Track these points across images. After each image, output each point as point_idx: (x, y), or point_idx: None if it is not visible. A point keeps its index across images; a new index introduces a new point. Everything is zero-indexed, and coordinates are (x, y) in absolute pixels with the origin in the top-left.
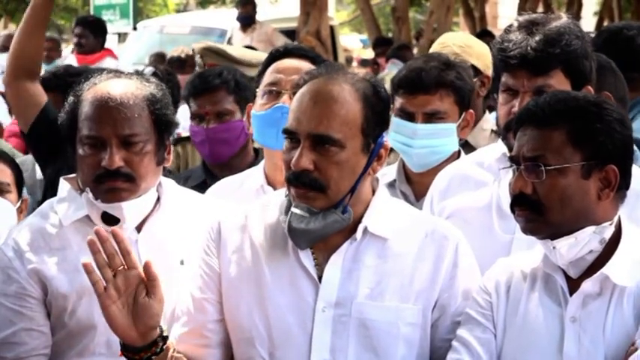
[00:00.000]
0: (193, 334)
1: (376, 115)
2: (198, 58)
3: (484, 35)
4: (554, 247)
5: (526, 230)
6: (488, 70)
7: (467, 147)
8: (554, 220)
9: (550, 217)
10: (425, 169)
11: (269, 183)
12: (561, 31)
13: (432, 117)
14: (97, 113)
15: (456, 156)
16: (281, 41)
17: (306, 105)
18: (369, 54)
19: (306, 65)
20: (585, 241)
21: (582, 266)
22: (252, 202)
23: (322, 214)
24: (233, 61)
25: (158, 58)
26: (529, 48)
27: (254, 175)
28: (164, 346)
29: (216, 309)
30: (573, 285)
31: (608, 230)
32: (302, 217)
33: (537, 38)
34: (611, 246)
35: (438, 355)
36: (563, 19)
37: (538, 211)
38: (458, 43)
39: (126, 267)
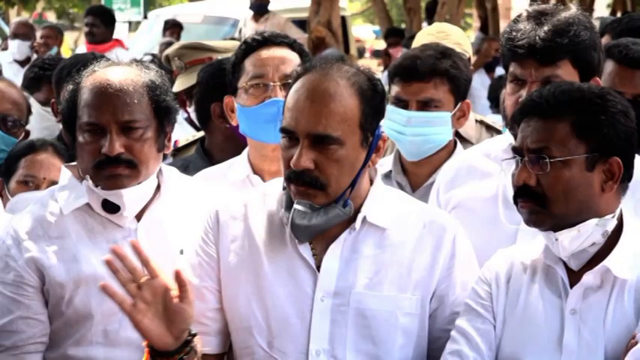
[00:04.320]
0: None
1: (373, 108)
2: (176, 61)
3: None
4: (556, 239)
5: (529, 222)
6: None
7: (457, 137)
8: (558, 212)
9: (553, 209)
10: (419, 158)
11: (255, 172)
12: (570, 21)
13: (426, 105)
14: (96, 100)
15: (451, 146)
16: (294, 32)
17: (303, 103)
18: (382, 45)
19: (286, 52)
20: (588, 234)
21: (584, 258)
22: (238, 192)
23: (324, 210)
24: (214, 51)
25: (168, 47)
26: (537, 38)
27: (238, 164)
28: (193, 344)
29: (215, 297)
30: (574, 277)
31: (611, 223)
32: (304, 214)
33: (546, 28)
34: (613, 239)
35: (437, 345)
36: (572, 10)
37: (541, 203)
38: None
39: (149, 276)
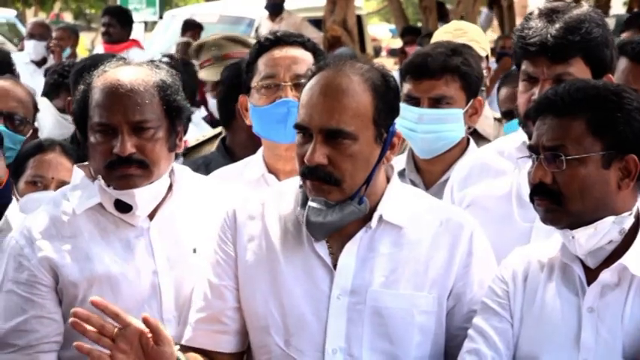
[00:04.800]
0: (211, 320)
1: (386, 104)
2: (214, 50)
3: None
4: (573, 237)
5: (546, 220)
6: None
7: (475, 135)
8: (574, 210)
9: (570, 207)
10: (431, 156)
11: (270, 171)
12: (582, 18)
13: (437, 102)
14: (107, 100)
15: (464, 143)
16: (310, 31)
17: (317, 99)
18: (399, 43)
19: (298, 52)
20: (605, 231)
21: (601, 256)
22: (253, 190)
23: (339, 207)
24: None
25: (186, 47)
26: (549, 35)
27: (253, 163)
28: None
29: (234, 296)
30: (591, 275)
31: (628, 220)
32: (319, 211)
33: (557, 26)
34: (630, 236)
35: (455, 343)
36: (584, 7)
37: (558, 201)
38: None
39: (121, 327)
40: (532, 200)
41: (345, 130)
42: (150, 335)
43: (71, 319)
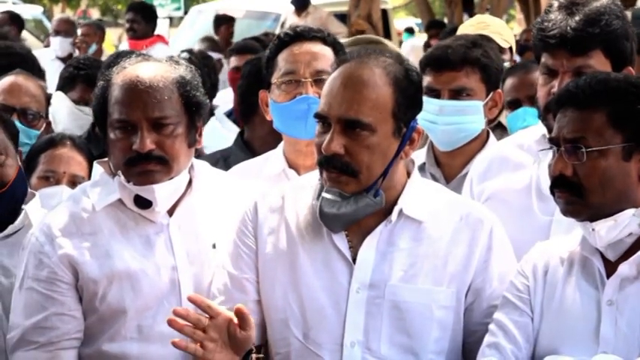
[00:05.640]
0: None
1: (407, 98)
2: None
3: None
4: (593, 229)
5: (566, 212)
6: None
7: (500, 128)
8: (595, 202)
9: (590, 199)
10: (452, 148)
11: (290, 166)
12: (601, 11)
13: (458, 94)
14: (126, 97)
15: (484, 137)
16: (335, 26)
17: (337, 89)
18: (425, 38)
19: (318, 47)
20: (625, 224)
21: (620, 249)
22: (273, 185)
23: (354, 198)
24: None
25: (209, 43)
26: (568, 28)
27: (274, 158)
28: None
29: (255, 289)
30: (611, 268)
31: None
32: (333, 202)
33: (577, 18)
34: None
35: (475, 338)
36: None
37: (578, 193)
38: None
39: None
40: (552, 192)
41: (362, 120)
42: (236, 322)
43: (169, 318)
